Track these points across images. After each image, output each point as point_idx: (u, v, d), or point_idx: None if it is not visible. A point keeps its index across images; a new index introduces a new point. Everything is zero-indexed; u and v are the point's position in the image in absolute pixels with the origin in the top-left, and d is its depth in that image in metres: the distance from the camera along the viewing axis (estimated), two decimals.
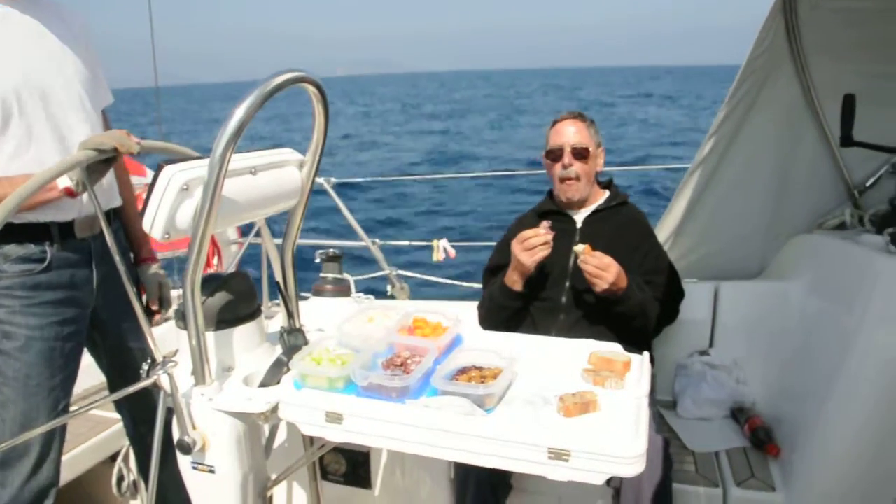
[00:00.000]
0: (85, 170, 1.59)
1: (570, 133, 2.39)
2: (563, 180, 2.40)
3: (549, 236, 2.18)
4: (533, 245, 2.17)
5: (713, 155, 2.84)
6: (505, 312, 2.34)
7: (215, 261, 4.09)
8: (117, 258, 1.55)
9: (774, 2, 2.54)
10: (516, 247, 2.22)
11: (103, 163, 1.64)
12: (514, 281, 2.28)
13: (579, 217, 2.45)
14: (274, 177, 1.57)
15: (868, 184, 2.85)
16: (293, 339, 1.61)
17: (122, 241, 2.09)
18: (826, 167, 2.86)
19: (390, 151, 27.72)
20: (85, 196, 1.78)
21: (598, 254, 2.13)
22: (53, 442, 1.89)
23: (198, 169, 1.35)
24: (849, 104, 2.39)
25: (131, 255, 2.16)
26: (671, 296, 2.41)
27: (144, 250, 2.18)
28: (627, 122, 35.12)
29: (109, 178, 1.97)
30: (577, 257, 2.17)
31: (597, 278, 2.11)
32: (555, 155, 2.41)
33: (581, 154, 2.37)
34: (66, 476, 2.46)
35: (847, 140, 2.42)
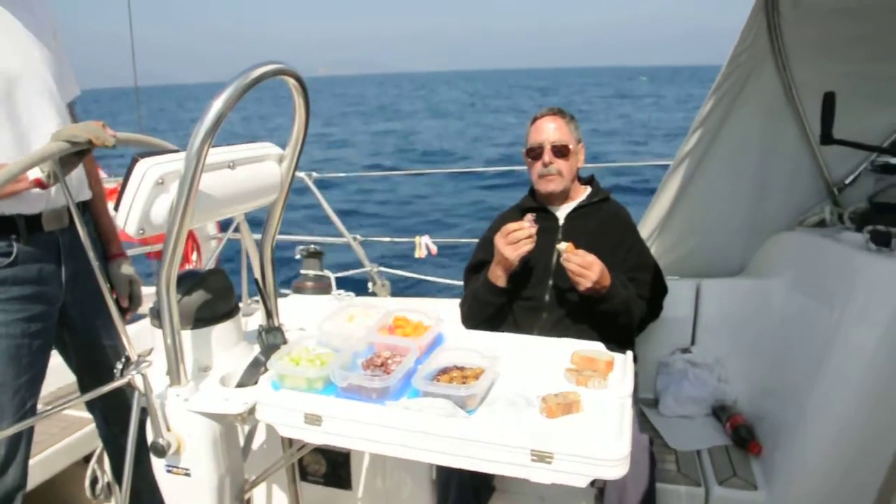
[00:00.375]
0: (58, 161, 1.55)
1: (549, 130, 2.38)
2: (542, 177, 2.39)
3: (534, 230, 2.16)
4: (517, 238, 2.16)
5: (695, 152, 2.85)
6: (488, 309, 2.32)
7: (194, 256, 4.03)
8: (90, 252, 1.51)
9: (755, 1, 2.54)
10: (500, 241, 2.19)
11: (75, 155, 1.60)
12: (497, 276, 2.26)
13: (561, 213, 2.43)
14: (253, 171, 1.54)
15: (847, 181, 2.87)
16: (271, 338, 1.58)
17: (93, 235, 2.03)
18: (806, 165, 2.87)
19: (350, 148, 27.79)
20: (53, 188, 1.73)
21: (582, 252, 2.11)
22: (20, 443, 1.83)
23: (174, 163, 1.32)
24: (829, 102, 2.39)
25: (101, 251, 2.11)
26: (655, 292, 2.40)
27: (114, 246, 2.13)
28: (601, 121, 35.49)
29: (79, 171, 1.91)
30: (559, 255, 2.15)
31: (580, 276, 2.09)
32: (535, 153, 2.39)
33: (561, 151, 2.36)
34: (38, 478, 2.41)
35: (827, 138, 2.43)
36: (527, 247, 2.16)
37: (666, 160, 3.28)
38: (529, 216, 2.21)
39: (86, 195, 2.00)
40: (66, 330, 1.99)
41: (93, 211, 2.06)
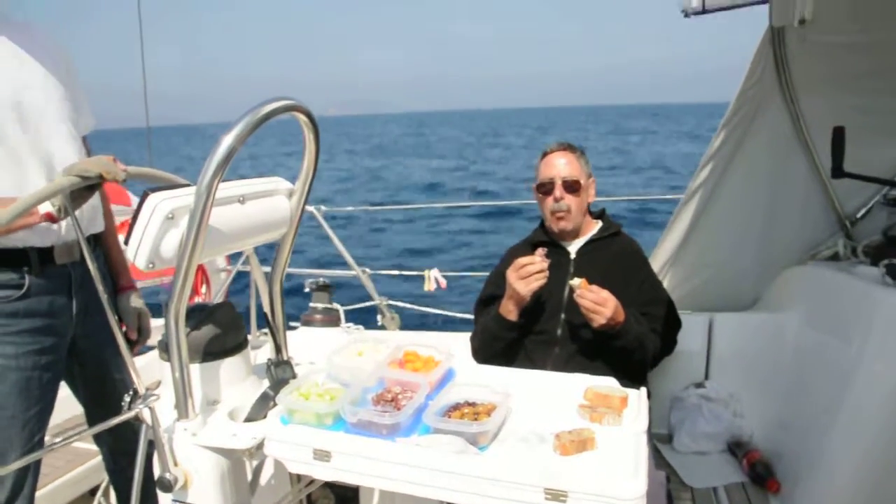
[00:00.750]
0: (68, 196, 1.55)
1: (560, 165, 2.37)
2: (554, 213, 2.38)
3: (545, 264, 2.15)
4: (529, 273, 2.14)
5: (706, 185, 2.84)
6: (499, 343, 2.29)
7: (203, 289, 4.03)
8: (100, 286, 1.51)
9: (764, 35, 2.56)
10: (511, 275, 2.18)
11: (86, 189, 1.61)
12: (508, 311, 2.24)
13: (573, 248, 2.41)
14: (263, 206, 1.54)
15: (860, 215, 2.86)
16: (280, 372, 1.57)
17: (102, 268, 2.04)
18: (818, 198, 2.86)
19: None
20: (65, 222, 1.74)
21: (595, 288, 2.09)
22: (28, 476, 1.82)
23: (184, 197, 1.32)
24: (838, 136, 2.39)
25: (111, 283, 2.11)
26: (669, 327, 2.37)
27: (124, 279, 2.13)
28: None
29: (93, 202, 1.92)
30: (572, 291, 2.12)
31: (594, 313, 2.07)
32: (546, 188, 2.38)
33: (572, 187, 2.34)
34: None
35: (838, 171, 2.42)
36: (538, 282, 2.15)
37: (677, 194, 3.28)
38: (541, 251, 2.20)
39: (98, 227, 2.01)
40: (76, 362, 1.98)
41: (103, 243, 2.06)
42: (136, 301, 2.12)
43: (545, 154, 2.45)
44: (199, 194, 1.23)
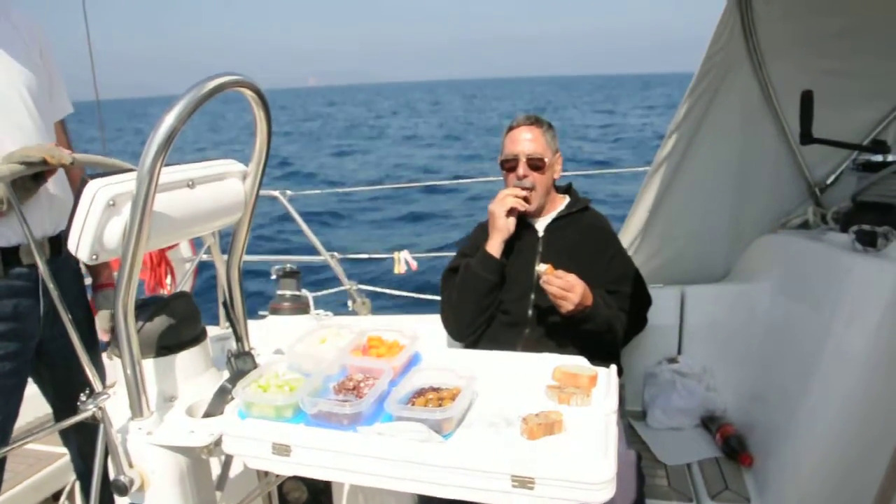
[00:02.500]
0: (10, 185, 1.47)
1: (525, 141, 2.30)
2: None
3: (525, 193, 2.26)
4: (516, 195, 2.24)
5: (673, 156, 2.81)
6: (482, 287, 2.24)
7: (168, 280, 3.93)
8: (51, 285, 1.44)
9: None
10: (492, 205, 2.26)
11: (32, 179, 1.52)
12: (493, 247, 2.24)
13: (540, 225, 2.37)
14: (214, 190, 1.47)
15: (829, 181, 2.86)
16: (241, 364, 1.51)
17: (73, 265, 1.96)
18: (787, 165, 2.84)
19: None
20: (34, 219, 1.65)
21: (561, 273, 2.04)
22: None
23: (126, 183, 1.25)
24: (807, 101, 2.36)
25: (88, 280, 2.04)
26: (638, 305, 2.34)
27: (103, 276, 2.06)
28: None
29: (60, 195, 1.83)
30: (538, 277, 2.07)
31: (562, 299, 2.03)
32: (510, 164, 2.31)
33: (536, 164, 2.28)
34: None
35: (806, 137, 2.39)
36: (512, 201, 2.23)
37: (644, 166, 3.24)
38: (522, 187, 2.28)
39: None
40: (45, 365, 1.92)
41: None
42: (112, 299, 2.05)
43: (511, 128, 2.37)
44: (141, 179, 1.16)
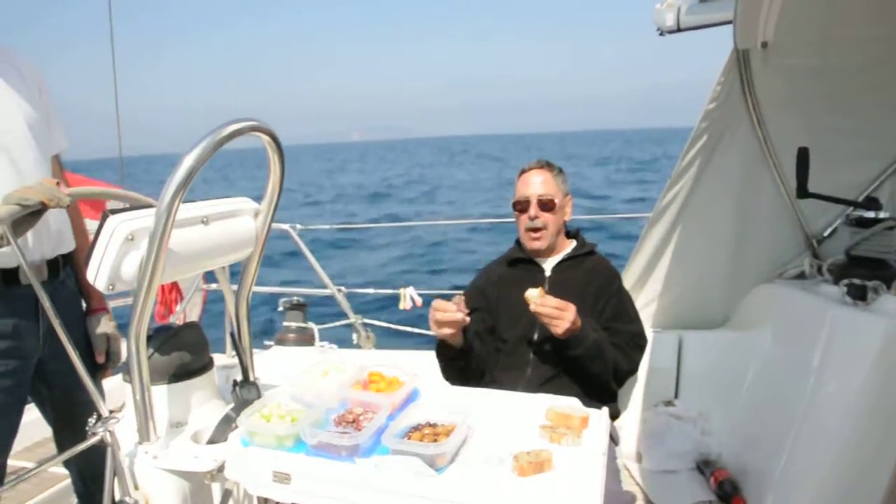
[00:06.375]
0: (10, 225, 1.54)
1: (536, 184, 2.38)
2: (528, 231, 2.38)
3: (458, 316, 2.06)
4: (439, 320, 2.07)
5: (674, 204, 2.87)
6: (452, 366, 2.26)
7: (178, 307, 4.01)
8: (48, 306, 1.49)
9: (729, 56, 2.60)
10: (430, 318, 2.11)
11: (31, 215, 1.59)
12: (444, 343, 2.19)
13: (547, 265, 2.42)
14: (227, 226, 1.54)
15: (826, 234, 2.90)
16: (245, 393, 1.56)
17: (71, 287, 2.02)
18: (785, 217, 2.90)
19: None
20: (31, 241, 1.72)
21: (550, 297, 2.07)
22: None
23: (145, 219, 1.31)
24: (803, 157, 2.43)
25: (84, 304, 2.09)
26: (633, 343, 2.35)
27: (95, 300, 2.11)
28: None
29: (57, 223, 1.90)
30: (530, 303, 2.07)
31: (557, 319, 2.05)
32: (521, 206, 2.39)
33: (547, 206, 2.35)
34: None
35: (802, 192, 2.46)
36: (447, 330, 2.08)
37: (645, 213, 3.31)
38: (460, 300, 2.10)
39: (67, 247, 1.98)
40: (44, 384, 1.96)
41: (74, 263, 2.03)
42: (105, 324, 2.10)
43: (523, 171, 2.46)
44: (160, 215, 1.23)
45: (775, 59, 2.57)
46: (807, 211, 2.87)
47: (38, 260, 1.83)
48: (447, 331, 2.09)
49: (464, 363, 2.23)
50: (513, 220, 2.49)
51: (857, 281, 2.20)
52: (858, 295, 2.17)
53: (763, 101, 2.69)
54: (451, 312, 2.06)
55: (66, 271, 1.97)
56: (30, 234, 1.71)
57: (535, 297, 2.07)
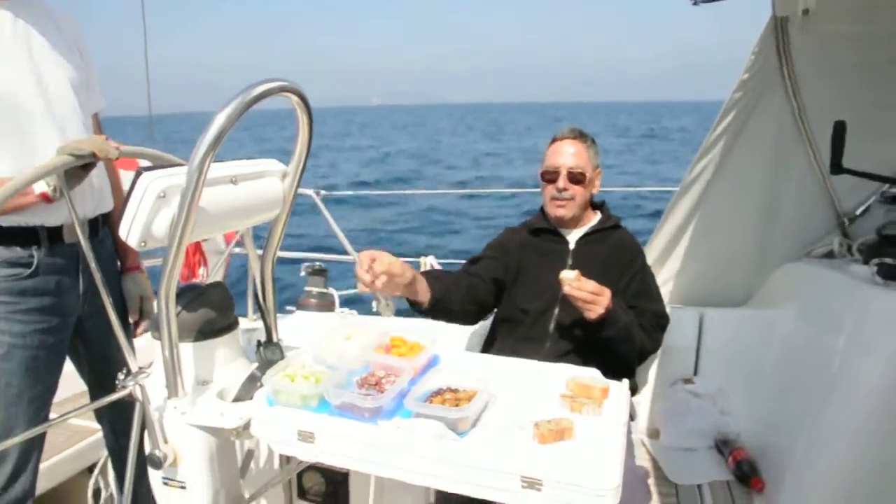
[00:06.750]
0: (63, 175, 1.56)
1: (567, 154, 2.31)
2: (554, 199, 2.34)
3: (368, 278, 1.86)
4: (356, 273, 1.90)
5: (702, 178, 2.83)
6: (430, 315, 2.20)
7: (202, 270, 4.04)
8: (93, 265, 1.52)
9: (766, 24, 2.53)
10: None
11: (81, 168, 1.61)
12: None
13: (572, 237, 2.38)
14: (255, 187, 1.55)
15: (858, 212, 2.84)
16: (269, 354, 1.59)
17: (109, 247, 2.05)
18: (816, 194, 2.84)
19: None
20: (76, 199, 1.75)
21: (587, 281, 2.02)
22: (32, 452, 1.85)
23: (176, 177, 1.33)
24: (839, 131, 2.36)
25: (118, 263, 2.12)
26: (655, 323, 2.34)
27: (130, 259, 2.14)
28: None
29: (99, 181, 1.93)
30: (564, 284, 2.01)
31: (592, 304, 2.00)
32: (550, 175, 2.33)
33: (577, 178, 2.30)
34: (41, 486, 2.40)
35: (837, 167, 2.39)
36: (361, 286, 1.88)
37: (672, 186, 3.27)
38: (370, 263, 1.86)
39: (107, 207, 2.00)
40: (81, 341, 2.00)
41: (112, 222, 2.05)
42: (140, 282, 2.14)
43: (554, 140, 2.39)
44: (191, 174, 1.24)
45: (816, 25, 2.48)
46: (839, 188, 2.80)
47: (81, 218, 1.85)
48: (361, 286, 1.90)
49: (442, 308, 2.16)
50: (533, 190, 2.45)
51: (888, 260, 2.15)
52: (890, 275, 2.12)
53: (799, 71, 2.61)
54: (363, 271, 1.87)
55: (104, 230, 2.00)
56: (75, 195, 1.73)
57: (571, 280, 2.00)
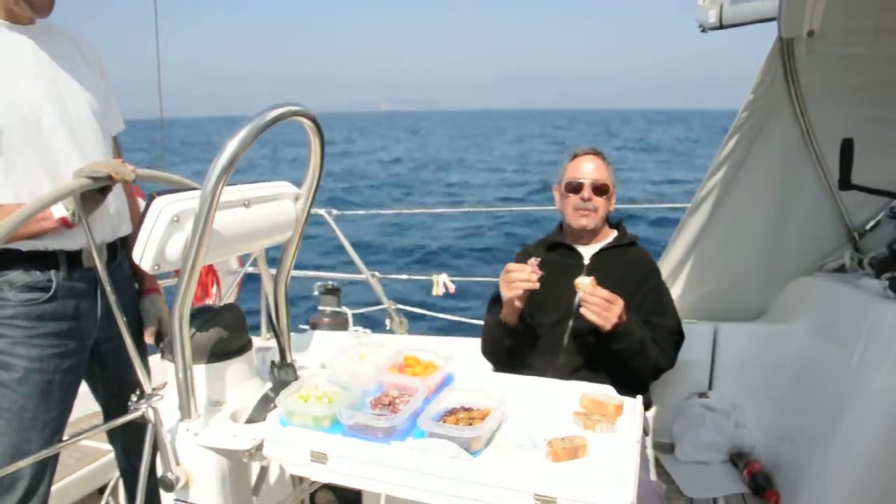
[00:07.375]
0: (79, 198, 1.58)
1: (589, 169, 2.38)
2: (578, 209, 2.36)
3: (535, 275, 2.07)
4: (513, 279, 2.09)
5: (713, 194, 2.84)
6: (499, 346, 2.28)
7: (214, 290, 4.07)
8: (108, 289, 1.54)
9: (773, 46, 2.56)
10: (501, 280, 2.15)
11: (99, 192, 1.63)
12: (505, 314, 2.21)
13: (587, 252, 2.40)
14: (268, 209, 1.56)
15: (868, 227, 2.85)
16: (283, 374, 1.59)
17: (126, 270, 2.06)
18: (826, 210, 2.85)
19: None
20: (94, 225, 1.77)
21: (601, 288, 2.04)
22: (44, 474, 1.85)
23: (189, 200, 1.34)
24: (847, 148, 2.38)
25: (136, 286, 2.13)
26: (670, 339, 2.33)
27: (148, 281, 2.15)
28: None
29: (116, 205, 1.95)
30: (576, 290, 2.05)
31: (605, 311, 2.01)
32: (573, 187, 2.36)
33: (601, 190, 2.35)
34: None
35: (845, 184, 2.41)
36: (522, 286, 2.08)
37: (683, 203, 3.27)
38: (533, 260, 2.11)
39: (125, 230, 2.02)
40: (97, 364, 2.00)
41: (129, 246, 2.07)
42: (158, 304, 2.15)
43: (575, 156, 2.45)
44: (204, 198, 1.26)
45: (821, 47, 2.52)
46: (849, 203, 2.81)
47: (99, 243, 1.87)
48: (520, 287, 2.09)
49: (512, 342, 2.24)
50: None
51: None
52: None
53: (806, 91, 2.64)
54: (524, 272, 2.07)
55: (122, 253, 2.01)
56: (93, 219, 1.74)
57: (586, 286, 2.02)
